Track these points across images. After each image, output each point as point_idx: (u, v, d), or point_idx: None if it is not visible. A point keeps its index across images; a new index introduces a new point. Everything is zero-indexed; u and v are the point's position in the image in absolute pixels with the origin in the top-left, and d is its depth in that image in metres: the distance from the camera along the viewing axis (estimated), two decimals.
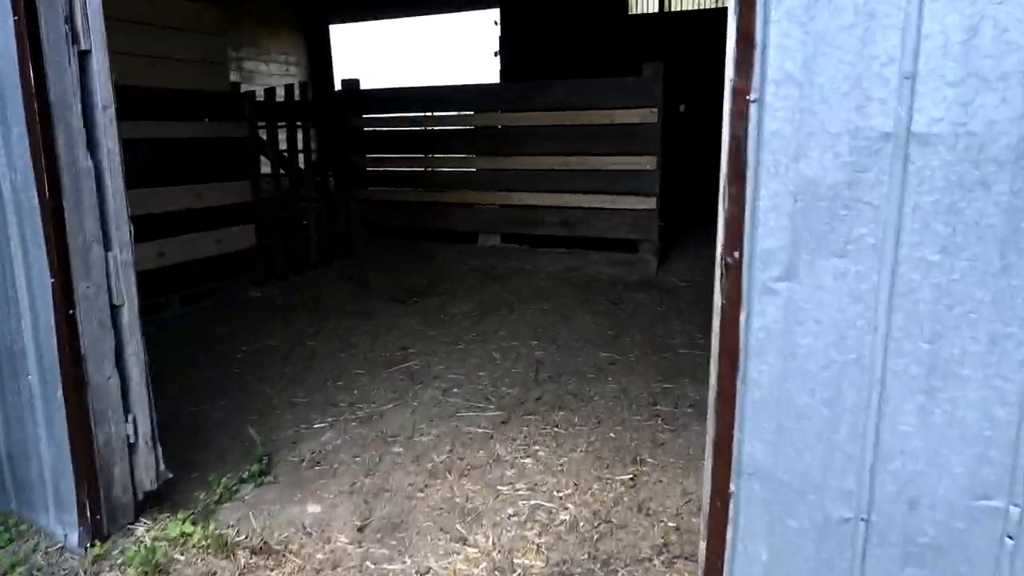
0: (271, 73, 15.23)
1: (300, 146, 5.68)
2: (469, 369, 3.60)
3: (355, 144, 6.34)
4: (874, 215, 1.14)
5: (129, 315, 2.15)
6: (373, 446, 2.79)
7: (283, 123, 5.47)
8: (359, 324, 4.36)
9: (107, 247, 2.09)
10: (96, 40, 2.00)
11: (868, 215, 1.14)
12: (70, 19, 1.94)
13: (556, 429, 2.92)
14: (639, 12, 12.84)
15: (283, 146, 5.68)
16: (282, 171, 5.48)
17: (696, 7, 12.42)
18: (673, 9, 12.52)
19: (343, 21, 15.90)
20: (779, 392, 1.25)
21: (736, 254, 1.23)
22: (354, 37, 16.14)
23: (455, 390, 3.34)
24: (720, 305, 1.28)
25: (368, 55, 16.14)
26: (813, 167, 1.16)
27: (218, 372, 3.60)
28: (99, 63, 2.02)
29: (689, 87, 10.53)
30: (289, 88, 5.47)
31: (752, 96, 1.17)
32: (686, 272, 5.58)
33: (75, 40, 1.96)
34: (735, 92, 1.19)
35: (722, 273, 1.27)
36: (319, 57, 16.23)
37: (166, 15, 4.36)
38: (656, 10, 12.68)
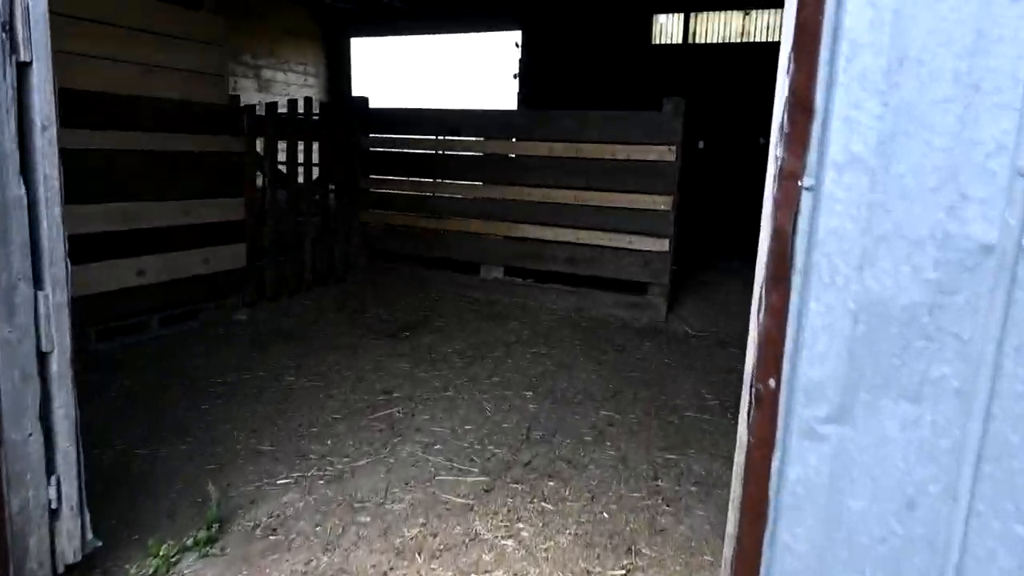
0: (289, 83, 15.15)
1: (301, 162, 5.45)
2: (455, 421, 3.30)
3: (360, 164, 6.10)
4: (962, 351, 0.85)
5: (59, 363, 1.88)
6: (338, 513, 2.49)
7: (284, 139, 5.24)
8: (344, 360, 4.08)
9: (38, 286, 1.83)
10: (39, 50, 1.75)
11: (954, 350, 0.85)
12: (8, 26, 1.69)
13: (544, 503, 2.62)
14: (662, 42, 12.66)
15: (283, 160, 5.45)
16: (280, 188, 5.24)
17: (721, 40, 12.22)
18: (697, 41, 12.32)
19: (364, 35, 15.85)
20: (819, 565, 0.96)
21: (771, 382, 0.95)
22: (375, 51, 16.06)
23: (437, 447, 3.04)
24: (746, 443, 0.99)
25: (388, 70, 16.04)
26: (883, 281, 0.87)
27: (185, 406, 3.32)
28: (41, 76, 1.77)
29: (710, 121, 10.30)
30: (292, 103, 5.24)
31: (806, 182, 0.89)
32: (697, 319, 5.28)
33: (14, 50, 1.71)
34: (782, 174, 0.91)
35: (751, 403, 0.98)
36: (338, 69, 16.18)
37: (162, 23, 4.15)
38: (680, 41, 12.49)
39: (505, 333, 4.75)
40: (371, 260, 6.31)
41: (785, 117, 0.91)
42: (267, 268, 5.14)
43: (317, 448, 2.98)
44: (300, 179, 5.43)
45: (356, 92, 15.98)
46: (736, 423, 3.01)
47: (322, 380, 3.75)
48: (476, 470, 2.85)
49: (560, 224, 5.41)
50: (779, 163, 0.91)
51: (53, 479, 1.91)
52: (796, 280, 0.92)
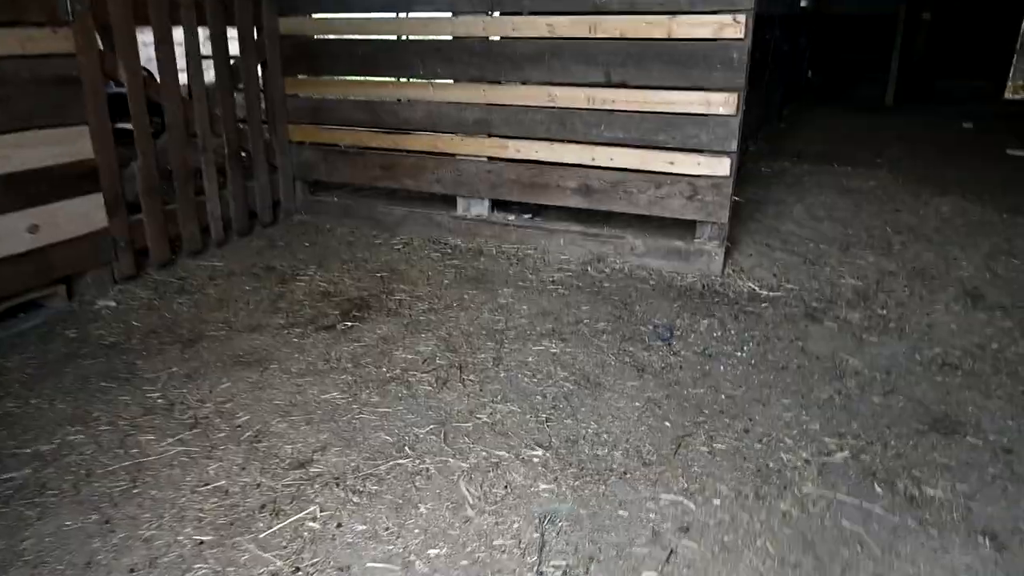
0: None
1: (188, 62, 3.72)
2: (412, 539, 1.88)
3: (283, 60, 4.36)
4: None
5: None
6: None
7: (149, 25, 3.49)
8: (243, 388, 2.61)
9: None
10: None
11: None
12: None
13: None
14: None
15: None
16: (154, 102, 3.55)
17: None
18: None
19: None
20: None
21: None
22: None
23: None
24: None
25: None
26: None
27: None
28: None
29: None
30: None
31: None
32: (764, 269, 3.77)
33: None
34: None
35: None
36: None
37: None
38: None
39: (493, 313, 3.25)
40: (312, 194, 4.70)
41: None
42: (148, 224, 3.57)
43: None
44: (185, 86, 3.73)
45: None
46: (898, 508, 1.48)
47: (200, 439, 2.30)
48: None
49: (568, 139, 3.78)
50: None
51: None
52: None
